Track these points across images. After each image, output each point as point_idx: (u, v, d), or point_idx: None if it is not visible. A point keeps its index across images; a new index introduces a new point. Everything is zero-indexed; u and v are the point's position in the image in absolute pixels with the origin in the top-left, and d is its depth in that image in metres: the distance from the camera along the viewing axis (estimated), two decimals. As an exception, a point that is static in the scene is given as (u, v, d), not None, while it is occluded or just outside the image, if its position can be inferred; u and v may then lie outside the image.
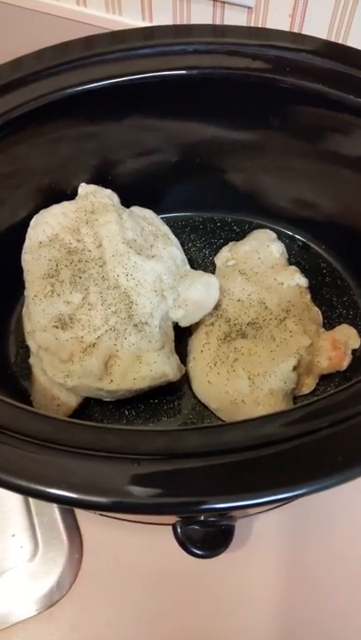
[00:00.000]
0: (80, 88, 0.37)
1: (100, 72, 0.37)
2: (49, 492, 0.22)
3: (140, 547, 0.34)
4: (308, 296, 0.39)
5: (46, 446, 0.23)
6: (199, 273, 0.38)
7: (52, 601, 0.33)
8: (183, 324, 0.37)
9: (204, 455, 0.24)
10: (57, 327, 0.34)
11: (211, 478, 0.23)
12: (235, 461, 0.23)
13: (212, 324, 0.37)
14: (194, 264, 0.43)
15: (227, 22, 0.49)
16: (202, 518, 0.27)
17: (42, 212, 0.38)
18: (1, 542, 0.34)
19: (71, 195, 0.40)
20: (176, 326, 0.37)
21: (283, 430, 0.24)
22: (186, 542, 0.27)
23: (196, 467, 0.23)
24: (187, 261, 0.40)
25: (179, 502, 0.23)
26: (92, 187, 0.40)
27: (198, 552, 0.28)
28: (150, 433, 0.27)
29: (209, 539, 0.28)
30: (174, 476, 0.23)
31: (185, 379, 0.37)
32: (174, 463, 0.23)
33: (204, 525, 0.27)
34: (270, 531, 0.35)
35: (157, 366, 0.33)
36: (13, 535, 0.34)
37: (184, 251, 0.41)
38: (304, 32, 0.46)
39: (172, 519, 0.28)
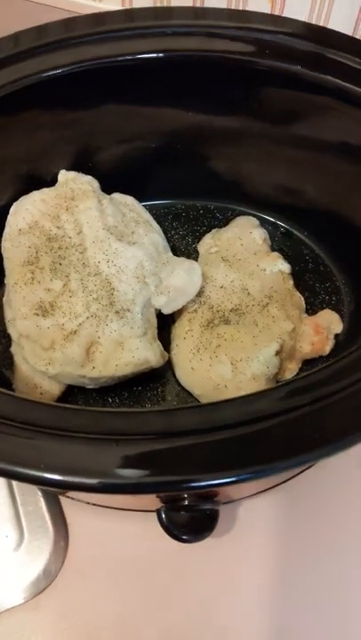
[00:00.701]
0: (58, 71, 0.36)
1: (79, 55, 0.36)
2: (32, 475, 0.22)
3: (125, 534, 0.34)
4: (291, 282, 0.39)
5: (28, 429, 0.23)
6: (181, 259, 0.38)
7: (38, 589, 0.33)
8: (166, 310, 0.37)
9: (189, 434, 0.24)
10: (38, 315, 0.33)
11: (196, 456, 0.23)
12: (219, 439, 0.23)
13: (195, 310, 0.37)
14: (177, 251, 0.43)
15: (207, 6, 0.48)
16: (186, 503, 0.27)
17: (21, 199, 0.38)
18: (-15, 532, 0.34)
19: (51, 181, 0.40)
20: (159, 314, 0.37)
21: (266, 407, 0.24)
22: (170, 527, 0.28)
23: (180, 445, 0.23)
24: (169, 248, 0.39)
25: (164, 481, 0.23)
26: (72, 173, 0.39)
27: (183, 537, 0.28)
28: (134, 414, 0.27)
29: (194, 523, 0.28)
30: (159, 455, 0.23)
31: (168, 366, 0.37)
32: (158, 443, 0.23)
33: (188, 510, 0.27)
34: (255, 516, 0.35)
35: (140, 352, 0.33)
36: (-2, 525, 0.34)
37: (167, 238, 0.40)
38: (284, 15, 0.45)
39: (157, 505, 0.28)
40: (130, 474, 0.22)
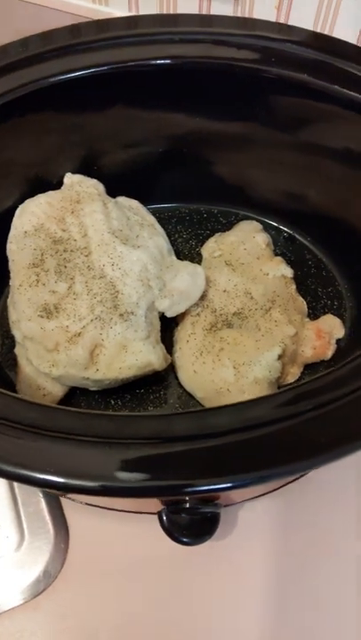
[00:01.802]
0: (65, 76, 0.36)
1: (86, 61, 0.37)
2: (34, 477, 0.22)
3: (126, 536, 0.34)
4: (294, 286, 0.40)
5: (31, 432, 0.23)
6: (185, 263, 0.38)
7: (38, 590, 0.33)
8: (169, 314, 0.37)
9: (192, 438, 0.24)
10: (42, 316, 0.33)
11: (199, 460, 0.23)
12: (220, 444, 0.23)
13: (198, 314, 0.38)
14: (180, 255, 0.43)
15: (213, 13, 0.49)
16: (187, 505, 0.27)
17: (27, 201, 0.38)
18: (-14, 532, 0.34)
19: (57, 184, 0.40)
20: (162, 317, 0.37)
21: (267, 413, 0.24)
22: (172, 530, 0.28)
23: (181, 450, 0.23)
24: (173, 251, 0.40)
25: (164, 485, 0.23)
26: (78, 176, 0.39)
27: (184, 539, 0.28)
28: (135, 418, 0.27)
29: (194, 526, 0.28)
30: (160, 459, 0.23)
31: (171, 369, 0.37)
32: (159, 447, 0.23)
33: (189, 513, 0.28)
34: (256, 519, 0.35)
35: (143, 355, 0.33)
36: (-1, 525, 0.34)
37: (171, 242, 0.41)
38: (290, 24, 0.46)
39: (158, 507, 0.28)
40: (131, 477, 0.22)
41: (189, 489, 0.23)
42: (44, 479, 0.22)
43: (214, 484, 0.22)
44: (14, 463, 0.22)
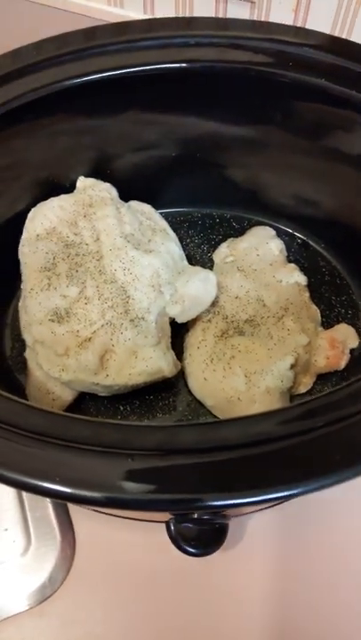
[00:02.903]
0: (80, 80, 0.36)
1: (101, 64, 0.37)
2: (42, 486, 0.22)
3: (132, 544, 0.34)
4: (307, 294, 0.39)
5: (40, 440, 0.23)
6: (197, 269, 0.37)
7: (43, 596, 0.33)
8: (180, 319, 0.36)
9: (200, 452, 0.23)
10: (53, 321, 0.33)
11: (205, 475, 0.23)
12: (230, 459, 0.23)
13: (210, 320, 0.37)
14: (192, 260, 0.43)
15: (229, 17, 0.48)
16: (196, 516, 0.27)
17: (40, 204, 0.38)
18: (-7, 536, 0.34)
19: (69, 188, 0.40)
20: (173, 323, 0.37)
21: (279, 428, 0.24)
22: (179, 540, 0.27)
23: (191, 463, 0.23)
24: (185, 257, 0.39)
25: (172, 499, 0.23)
26: (91, 180, 0.39)
27: (191, 550, 0.27)
28: (146, 428, 0.26)
29: (202, 537, 0.28)
30: (169, 472, 0.23)
31: (180, 375, 0.37)
32: (169, 459, 0.23)
33: (197, 523, 0.27)
34: (264, 530, 0.35)
35: (153, 362, 0.33)
36: (6, 529, 0.34)
37: (182, 246, 0.40)
38: (307, 27, 0.45)
39: (166, 516, 0.27)
40: (145, 489, 0.22)
41: (197, 504, 0.22)
42: (50, 489, 0.22)
43: (221, 500, 0.22)
44: (21, 471, 0.22)
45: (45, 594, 0.33)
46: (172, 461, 0.23)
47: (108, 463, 0.23)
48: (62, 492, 0.22)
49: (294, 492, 0.22)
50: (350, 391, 0.25)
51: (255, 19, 0.48)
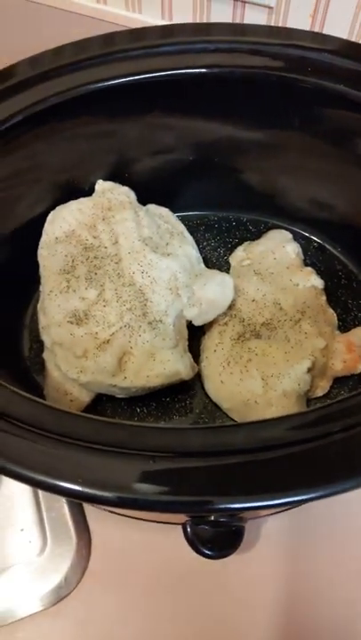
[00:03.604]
0: (99, 85, 0.37)
1: (120, 69, 0.37)
2: (63, 486, 0.22)
3: (148, 545, 0.34)
4: (324, 298, 0.39)
5: (61, 440, 0.23)
6: (214, 272, 0.38)
7: (58, 597, 0.33)
8: (197, 322, 0.37)
9: (218, 454, 0.23)
10: (72, 323, 0.34)
11: (223, 478, 0.23)
12: (247, 462, 0.23)
13: (226, 323, 0.37)
14: (208, 263, 0.43)
15: (247, 22, 0.49)
16: (212, 518, 0.27)
17: (59, 207, 0.38)
18: (10, 536, 0.34)
19: (88, 191, 0.40)
20: (190, 325, 0.37)
21: (295, 433, 0.24)
22: (195, 542, 0.27)
23: (209, 465, 0.23)
24: (202, 260, 0.39)
25: (191, 501, 0.23)
26: (109, 183, 0.40)
27: (208, 552, 0.27)
28: (166, 430, 0.27)
29: (219, 539, 0.28)
30: (188, 474, 0.23)
31: (197, 378, 0.37)
32: (188, 461, 0.23)
33: (214, 526, 0.27)
34: (280, 533, 0.34)
35: (171, 364, 0.33)
36: (22, 530, 0.34)
37: (199, 249, 0.41)
38: (325, 32, 0.45)
39: (183, 518, 0.27)
40: (163, 491, 0.22)
41: (215, 506, 0.22)
42: (71, 489, 0.22)
43: (238, 503, 0.22)
44: (42, 471, 0.22)
45: (61, 594, 0.33)
46: (191, 463, 0.23)
47: (128, 464, 0.23)
48: (83, 492, 0.22)
49: (312, 495, 0.22)
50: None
51: (273, 24, 0.48)
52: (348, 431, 0.24)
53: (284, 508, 0.34)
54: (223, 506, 0.22)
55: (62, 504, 0.35)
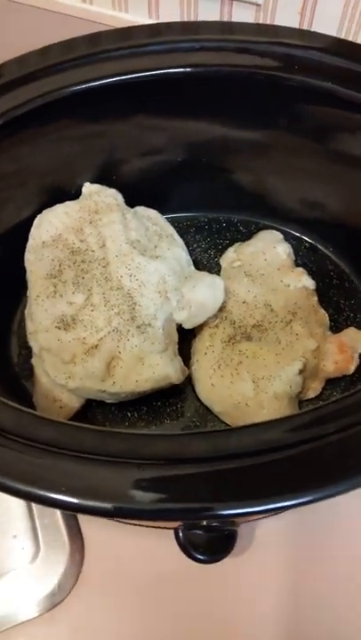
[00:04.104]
0: (85, 85, 0.36)
1: (106, 69, 0.37)
2: (50, 497, 0.22)
3: (141, 550, 0.34)
4: (315, 298, 0.39)
5: (48, 450, 0.23)
6: (204, 274, 0.37)
7: (53, 603, 0.33)
8: (187, 325, 0.36)
9: (209, 460, 0.23)
10: (59, 328, 0.33)
11: (215, 484, 0.23)
12: (240, 467, 0.23)
13: (217, 326, 0.37)
14: (199, 265, 0.43)
15: (235, 20, 0.48)
16: (204, 523, 0.26)
17: (45, 211, 0.38)
18: (3, 544, 0.34)
19: (75, 194, 0.40)
20: (180, 328, 0.37)
21: (288, 436, 0.24)
22: (188, 547, 0.27)
23: (200, 472, 0.23)
24: (191, 262, 0.39)
25: (182, 509, 0.23)
26: (96, 186, 0.39)
27: (200, 557, 0.27)
28: (154, 437, 0.26)
29: (211, 544, 0.27)
30: (178, 481, 0.23)
31: (188, 381, 0.37)
32: (178, 468, 0.23)
33: (206, 530, 0.27)
34: (273, 536, 0.34)
35: (160, 368, 0.33)
36: (15, 536, 0.34)
37: (189, 251, 0.40)
38: (313, 30, 0.45)
39: (175, 523, 0.27)
40: (153, 499, 0.22)
41: (206, 513, 0.22)
42: (57, 499, 0.22)
43: (231, 509, 0.22)
44: (28, 482, 0.22)
45: (55, 600, 0.33)
46: (182, 470, 0.23)
47: (116, 473, 0.23)
48: (70, 502, 0.22)
49: (307, 499, 0.22)
50: (359, 397, 0.25)
51: (261, 22, 0.47)
52: (343, 432, 0.23)
53: (278, 512, 0.34)
54: (219, 512, 0.22)
55: (55, 511, 0.35)
